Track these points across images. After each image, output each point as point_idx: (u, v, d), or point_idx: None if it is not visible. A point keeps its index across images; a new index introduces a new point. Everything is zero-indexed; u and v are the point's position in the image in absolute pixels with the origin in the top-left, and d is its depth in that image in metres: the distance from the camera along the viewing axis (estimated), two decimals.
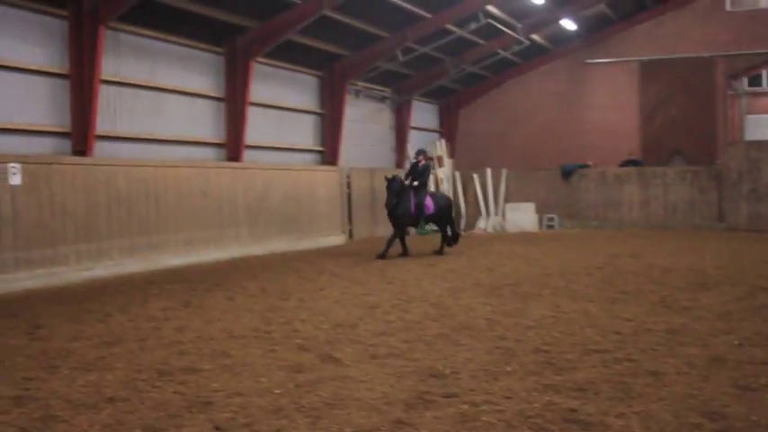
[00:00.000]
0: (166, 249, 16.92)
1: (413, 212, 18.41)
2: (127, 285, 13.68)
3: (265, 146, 21.37)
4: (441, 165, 28.91)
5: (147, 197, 16.49)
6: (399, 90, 28.34)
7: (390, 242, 18.17)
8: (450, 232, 19.29)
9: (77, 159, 15.10)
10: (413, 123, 29.48)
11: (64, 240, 14.48)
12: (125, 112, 16.72)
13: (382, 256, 17.69)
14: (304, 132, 23.48)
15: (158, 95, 17.65)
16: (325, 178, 23.51)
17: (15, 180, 13.61)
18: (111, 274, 14.89)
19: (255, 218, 20.09)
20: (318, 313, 10.21)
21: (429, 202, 18.68)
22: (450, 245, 19.27)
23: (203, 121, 19.15)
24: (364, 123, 26.73)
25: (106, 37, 15.54)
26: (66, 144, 15.26)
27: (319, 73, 23.73)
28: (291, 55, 21.66)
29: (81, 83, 15.22)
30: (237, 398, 6.12)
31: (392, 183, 18.12)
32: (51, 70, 14.96)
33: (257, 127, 20.62)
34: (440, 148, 29.30)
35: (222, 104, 19.63)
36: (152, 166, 16.79)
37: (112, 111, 16.27)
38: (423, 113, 30.74)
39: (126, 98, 16.77)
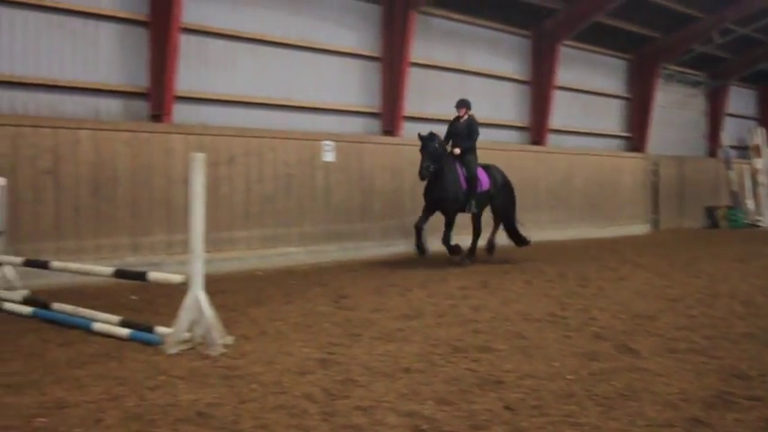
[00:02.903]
0: (467, 230, 16.68)
1: (463, 187, 13.15)
2: (426, 262, 13.55)
3: (569, 130, 20.50)
4: (758, 155, 26.27)
5: None
6: (715, 74, 26.02)
7: (448, 237, 12.99)
8: (504, 227, 14.50)
9: (386, 139, 15.34)
10: (728, 110, 26.98)
11: (371, 216, 14.74)
12: (432, 94, 16.71)
13: (470, 255, 13.67)
14: (609, 117, 22.26)
15: (464, 78, 17.47)
16: (631, 165, 22.18)
17: (329, 157, 14.02)
18: (412, 250, 14.88)
19: (556, 202, 19.37)
20: (617, 302, 9.47)
21: (482, 174, 13.55)
22: (519, 243, 14.58)
23: (507, 104, 18.72)
24: (674, 109, 24.85)
25: (417, 21, 15.58)
26: (375, 124, 15.53)
27: (628, 56, 22.37)
28: (599, 37, 20.54)
29: (391, 65, 15.42)
30: (529, 380, 5.82)
31: (430, 142, 12.68)
32: (364, 53, 15.28)
33: (561, 111, 19.87)
34: (758, 136, 26.60)
35: (527, 88, 19.09)
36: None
37: (420, 93, 16.32)
38: (740, 99, 27.98)
39: (433, 80, 16.76)
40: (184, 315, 6.65)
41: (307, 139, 13.75)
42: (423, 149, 12.64)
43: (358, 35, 15.15)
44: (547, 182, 19.11)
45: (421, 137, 12.69)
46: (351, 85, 15.11)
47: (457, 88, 17.19)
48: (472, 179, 13.11)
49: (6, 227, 9.35)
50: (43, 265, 8.77)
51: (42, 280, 9.77)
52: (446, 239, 12.91)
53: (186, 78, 12.51)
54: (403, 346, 6.95)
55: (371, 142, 14.95)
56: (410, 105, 15.85)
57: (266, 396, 5.33)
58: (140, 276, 7.51)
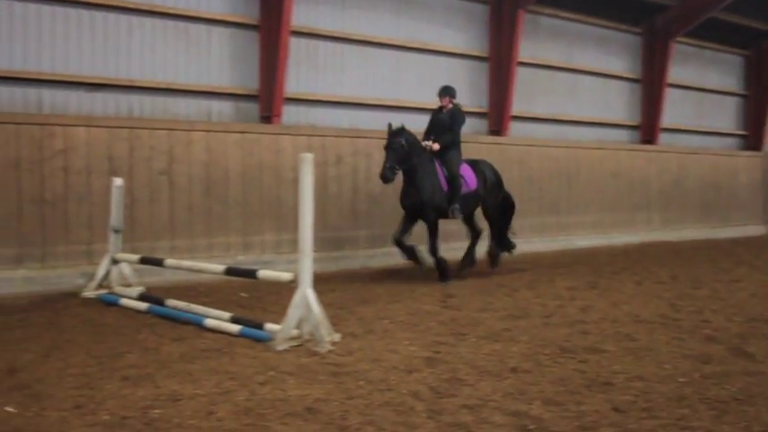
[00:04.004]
0: (575, 230, 16.19)
1: (444, 189, 10.90)
2: (534, 263, 13.27)
3: (682, 129, 19.53)
4: None
5: (558, 177, 15.91)
6: None
7: (434, 247, 10.77)
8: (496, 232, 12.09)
9: (493, 139, 14.94)
10: None
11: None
12: (540, 93, 16.22)
13: (443, 276, 10.90)
14: (724, 115, 21.08)
15: (574, 77, 16.88)
16: (748, 164, 21.00)
17: None
18: (519, 250, 14.45)
19: (668, 203, 18.54)
20: (732, 305, 9.08)
21: (468, 171, 11.23)
22: (503, 249, 12.22)
23: (617, 103, 17.98)
24: None
25: (525, 20, 15.14)
26: (482, 123, 15.17)
27: (744, 52, 21.16)
28: (714, 33, 19.49)
29: (499, 65, 15.03)
30: (639, 382, 5.66)
31: (396, 138, 10.48)
32: (471, 53, 14.91)
33: (674, 109, 18.94)
34: None
35: (638, 86, 18.30)
36: (565, 147, 16.14)
37: (528, 92, 15.86)
38: None
39: (541, 80, 16.24)
40: (293, 312, 6.68)
41: None
42: (387, 146, 10.52)
43: (465, 35, 14.80)
44: (659, 182, 18.31)
45: (390, 131, 10.58)
46: (458, 85, 14.43)
47: (565, 87, 16.73)
48: (454, 179, 10.87)
49: (124, 226, 9.48)
50: (158, 263, 8.92)
51: (157, 277, 9.87)
52: (433, 249, 10.77)
53: (295, 80, 12.45)
54: (510, 345, 6.83)
55: (478, 142, 14.56)
56: (518, 105, 15.40)
57: (373, 393, 5.33)
58: (250, 274, 7.59)
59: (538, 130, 16.16)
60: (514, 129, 15.38)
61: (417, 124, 13.90)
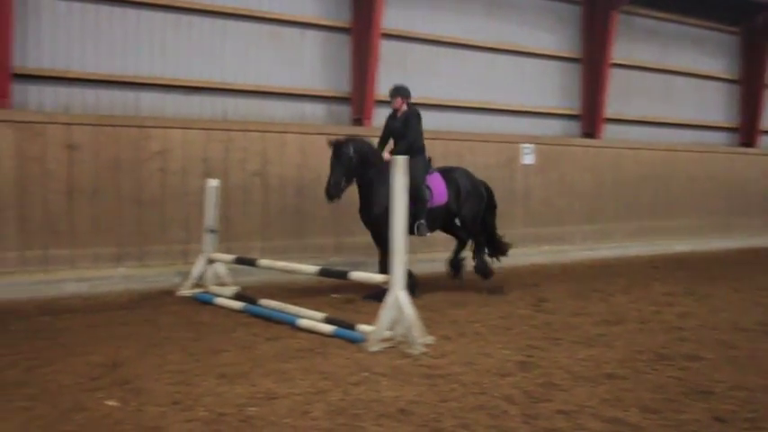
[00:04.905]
0: (671, 234, 15.61)
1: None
2: (629, 268, 12.84)
3: None
4: None
5: (654, 181, 15.39)
6: None
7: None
8: (484, 243, 10.33)
9: (586, 141, 14.55)
10: None
11: (570, 220, 14.06)
12: (634, 95, 15.71)
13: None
14: None
15: (668, 78, 16.30)
16: None
17: (528, 160, 13.49)
18: (613, 255, 14.05)
19: None
20: None
21: (438, 182, 9.63)
22: (497, 254, 10.47)
23: (714, 105, 17.28)
24: None
25: (619, 21, 14.68)
26: (575, 126, 14.76)
27: None
28: None
29: (592, 67, 14.61)
30: (741, 391, 5.46)
31: (343, 149, 8.89)
32: (563, 55, 14.56)
33: None
34: None
35: (736, 87, 17.56)
36: (659, 150, 15.60)
37: (622, 94, 15.36)
38: None
39: (636, 81, 15.73)
40: (386, 314, 6.62)
41: (505, 142, 13.25)
42: (333, 158, 9.01)
43: (557, 37, 14.43)
44: (758, 185, 17.53)
45: (333, 144, 9.00)
46: (550, 87, 14.43)
47: (660, 89, 16.20)
48: (417, 189, 9.01)
49: (218, 226, 9.48)
50: (252, 263, 8.89)
51: (250, 277, 9.81)
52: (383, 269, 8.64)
53: (386, 83, 12.15)
54: (605, 351, 6.67)
55: (571, 144, 14.22)
56: (611, 107, 14.93)
57: (466, 396, 5.26)
58: (343, 275, 7.58)
59: (631, 133, 15.67)
60: (608, 131, 14.90)
61: (508, 127, 13.76)
